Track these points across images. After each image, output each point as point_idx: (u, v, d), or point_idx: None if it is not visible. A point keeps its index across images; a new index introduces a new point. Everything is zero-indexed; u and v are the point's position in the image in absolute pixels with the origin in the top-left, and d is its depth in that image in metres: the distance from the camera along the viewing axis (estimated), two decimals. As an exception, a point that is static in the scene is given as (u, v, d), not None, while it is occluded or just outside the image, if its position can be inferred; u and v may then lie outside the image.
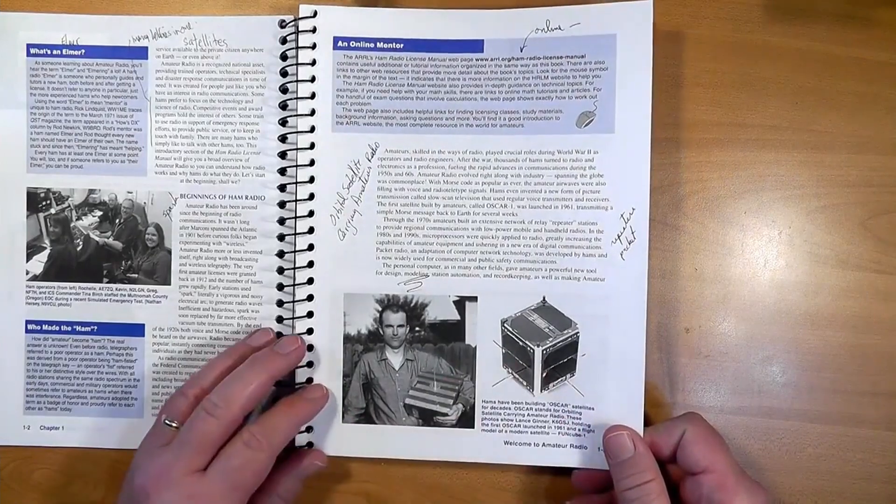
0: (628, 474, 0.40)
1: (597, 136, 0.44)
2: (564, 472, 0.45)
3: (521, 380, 0.45)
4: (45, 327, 0.47)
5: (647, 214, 0.43)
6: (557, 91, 0.44)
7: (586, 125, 0.44)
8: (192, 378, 0.42)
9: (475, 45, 0.45)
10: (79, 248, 0.47)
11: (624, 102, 0.43)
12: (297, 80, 0.45)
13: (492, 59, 0.45)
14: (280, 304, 0.46)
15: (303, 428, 0.45)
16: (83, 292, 0.47)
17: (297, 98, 0.45)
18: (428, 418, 0.45)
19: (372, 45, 0.45)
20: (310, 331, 0.45)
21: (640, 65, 0.43)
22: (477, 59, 0.45)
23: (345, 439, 0.45)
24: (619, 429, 0.41)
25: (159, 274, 0.46)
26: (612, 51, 0.43)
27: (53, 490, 0.47)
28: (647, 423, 0.43)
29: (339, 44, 0.45)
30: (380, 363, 0.45)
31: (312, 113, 0.45)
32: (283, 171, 0.46)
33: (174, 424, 0.40)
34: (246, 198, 0.46)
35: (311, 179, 0.45)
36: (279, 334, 0.45)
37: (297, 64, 0.45)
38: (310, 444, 0.45)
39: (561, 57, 0.44)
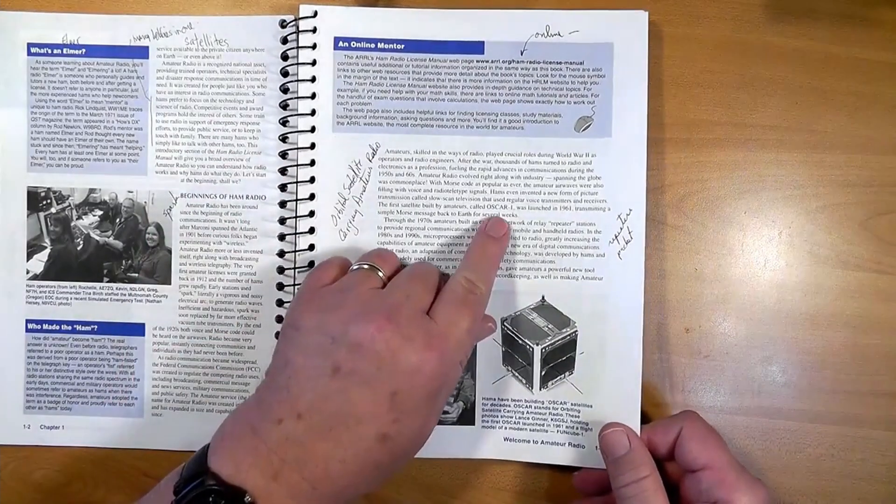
0: (624, 471, 0.39)
1: (594, 140, 0.44)
2: (565, 472, 0.45)
3: (520, 378, 0.45)
4: (45, 326, 0.47)
5: (644, 215, 0.44)
6: (556, 96, 0.45)
7: (584, 129, 0.44)
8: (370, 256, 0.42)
9: (476, 47, 0.45)
10: (79, 248, 0.47)
11: (620, 110, 0.44)
12: (297, 80, 0.45)
13: (492, 62, 0.45)
14: (280, 303, 0.46)
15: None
16: (83, 292, 0.47)
17: (297, 98, 0.45)
18: (428, 418, 0.45)
19: (373, 45, 0.45)
20: (310, 330, 0.45)
21: (636, 74, 0.44)
22: (477, 61, 0.45)
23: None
24: (615, 426, 0.41)
25: (160, 273, 0.46)
26: (608, 60, 0.44)
27: (53, 490, 0.47)
28: (647, 422, 0.43)
29: (340, 44, 0.45)
30: (380, 363, 0.45)
31: (313, 113, 0.45)
32: (283, 171, 0.46)
33: (383, 274, 0.40)
34: (246, 197, 0.46)
35: (312, 179, 0.45)
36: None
37: (297, 64, 0.45)
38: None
39: (560, 62, 0.45)
